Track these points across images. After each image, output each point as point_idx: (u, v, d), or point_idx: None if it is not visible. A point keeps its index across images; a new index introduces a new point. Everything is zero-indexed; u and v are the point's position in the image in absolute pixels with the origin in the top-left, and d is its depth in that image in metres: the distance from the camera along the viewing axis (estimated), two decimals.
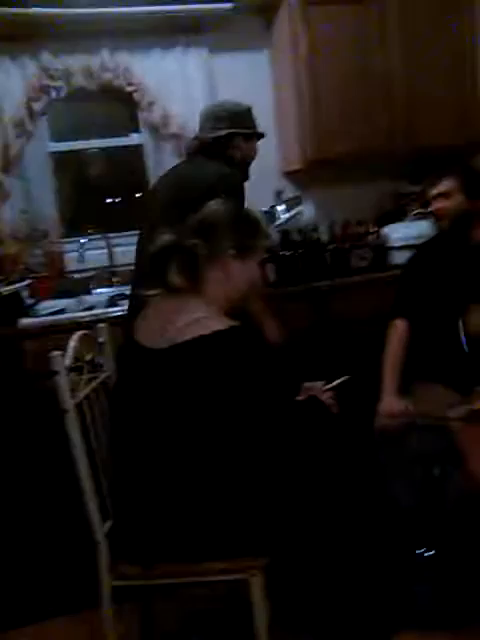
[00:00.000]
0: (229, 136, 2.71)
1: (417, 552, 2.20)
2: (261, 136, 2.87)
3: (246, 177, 2.77)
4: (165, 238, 1.86)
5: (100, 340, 2.14)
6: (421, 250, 2.75)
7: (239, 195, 2.57)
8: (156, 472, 1.73)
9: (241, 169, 2.75)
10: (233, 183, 2.57)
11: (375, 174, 3.90)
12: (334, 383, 2.05)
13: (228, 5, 3.45)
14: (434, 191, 2.53)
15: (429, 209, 2.59)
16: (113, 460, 1.94)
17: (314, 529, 1.74)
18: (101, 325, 2.19)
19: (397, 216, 3.78)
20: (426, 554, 2.19)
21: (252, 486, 1.76)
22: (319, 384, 2.04)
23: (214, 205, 1.94)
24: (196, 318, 1.71)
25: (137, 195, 3.96)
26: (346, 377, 2.08)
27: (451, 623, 2.11)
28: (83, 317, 2.99)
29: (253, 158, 2.86)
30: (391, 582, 1.89)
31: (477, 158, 3.67)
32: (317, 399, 1.94)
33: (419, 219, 3.50)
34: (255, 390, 1.72)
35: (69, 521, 2.17)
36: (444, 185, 2.50)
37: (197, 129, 2.84)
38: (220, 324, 1.70)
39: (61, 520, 2.67)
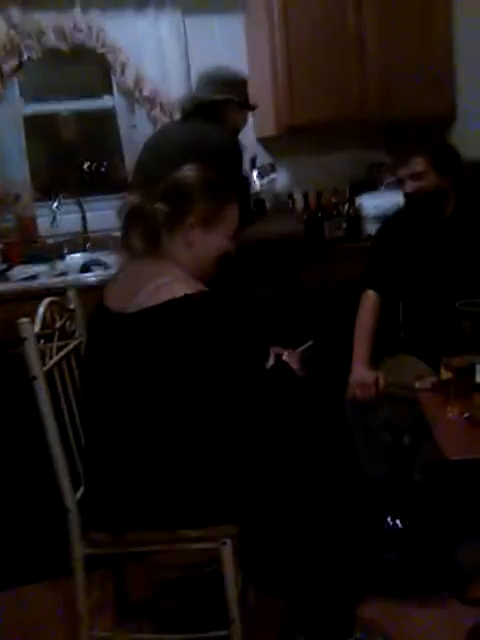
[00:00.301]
0: (225, 102, 2.71)
1: (386, 520, 2.24)
2: (253, 108, 2.86)
3: None
4: (132, 201, 1.83)
5: (71, 307, 2.12)
6: (391, 222, 2.72)
7: (240, 161, 2.58)
8: (126, 439, 1.73)
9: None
10: (238, 148, 2.58)
11: (349, 142, 3.86)
12: (300, 349, 2.04)
13: None
14: (406, 171, 2.47)
15: (404, 191, 2.55)
16: (84, 427, 1.93)
17: (284, 496, 1.75)
18: (71, 291, 2.17)
19: (371, 185, 3.75)
20: (394, 522, 2.23)
21: (222, 453, 1.76)
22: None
23: (187, 170, 1.89)
24: (165, 282, 1.69)
25: (111, 159, 3.88)
26: (311, 342, 2.07)
27: (419, 591, 2.16)
28: (55, 283, 2.95)
29: (243, 127, 2.86)
30: (359, 550, 1.91)
31: (450, 127, 3.65)
32: (284, 363, 1.91)
33: (393, 189, 3.47)
34: (223, 355, 1.70)
35: (42, 488, 2.16)
36: (415, 164, 2.43)
37: (192, 90, 2.91)
38: (189, 288, 1.67)
39: (34, 487, 2.64)
